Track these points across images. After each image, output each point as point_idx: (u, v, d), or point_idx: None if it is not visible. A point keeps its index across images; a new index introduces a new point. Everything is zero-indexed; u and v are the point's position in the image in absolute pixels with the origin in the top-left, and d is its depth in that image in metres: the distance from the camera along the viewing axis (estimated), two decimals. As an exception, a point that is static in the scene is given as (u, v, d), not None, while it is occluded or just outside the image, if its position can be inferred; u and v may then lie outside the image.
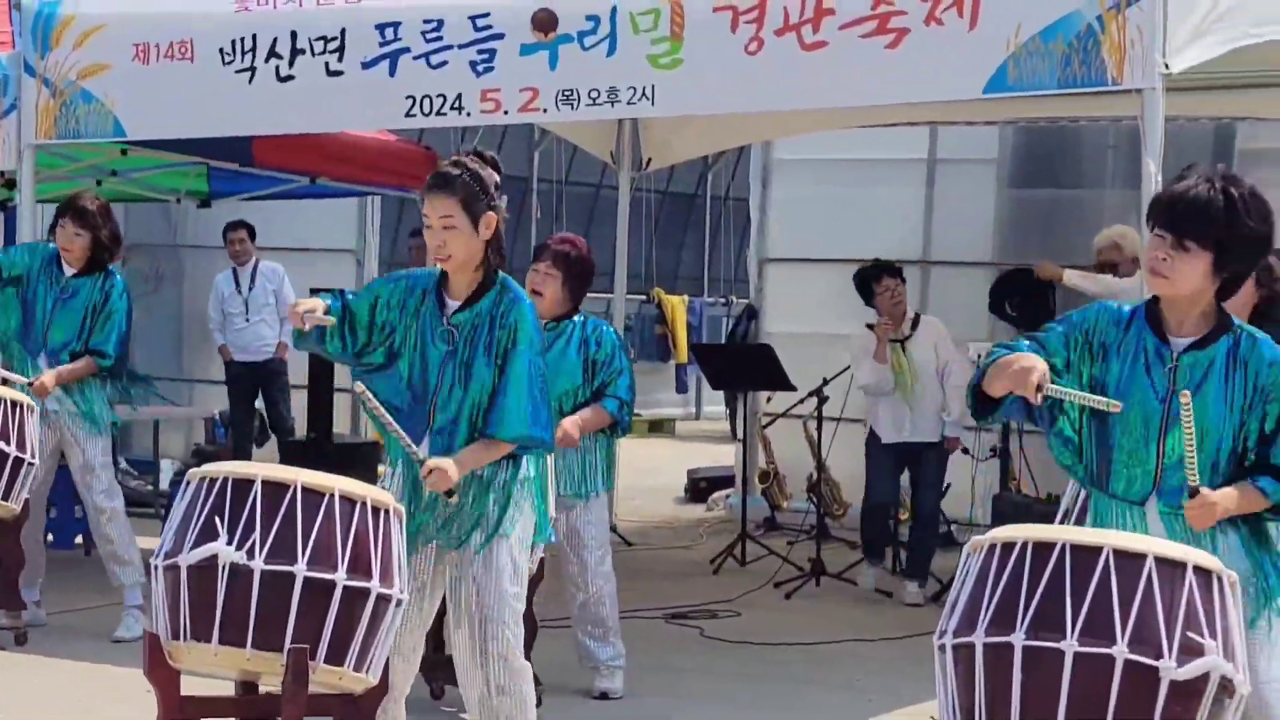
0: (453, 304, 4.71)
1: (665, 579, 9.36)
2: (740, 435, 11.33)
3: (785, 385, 9.85)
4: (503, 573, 4.65)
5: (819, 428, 10.01)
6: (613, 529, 10.46)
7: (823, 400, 9.63)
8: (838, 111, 8.97)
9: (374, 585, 4.30)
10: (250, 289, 11.77)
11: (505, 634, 4.64)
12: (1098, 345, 4.02)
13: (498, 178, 4.75)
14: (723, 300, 21.20)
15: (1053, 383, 3.89)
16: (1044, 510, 8.38)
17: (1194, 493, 3.86)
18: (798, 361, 9.79)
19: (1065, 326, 4.07)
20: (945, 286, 10.90)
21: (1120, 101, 6.11)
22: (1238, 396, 3.94)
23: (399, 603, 4.38)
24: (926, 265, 11.18)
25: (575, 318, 6.46)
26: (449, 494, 4.61)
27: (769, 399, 11.09)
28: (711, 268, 22.04)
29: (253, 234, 11.78)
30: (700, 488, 12.74)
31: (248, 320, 11.74)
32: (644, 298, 19.38)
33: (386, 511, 4.40)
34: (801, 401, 9.99)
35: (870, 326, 8.83)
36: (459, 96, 6.87)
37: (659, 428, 18.86)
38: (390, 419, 4.59)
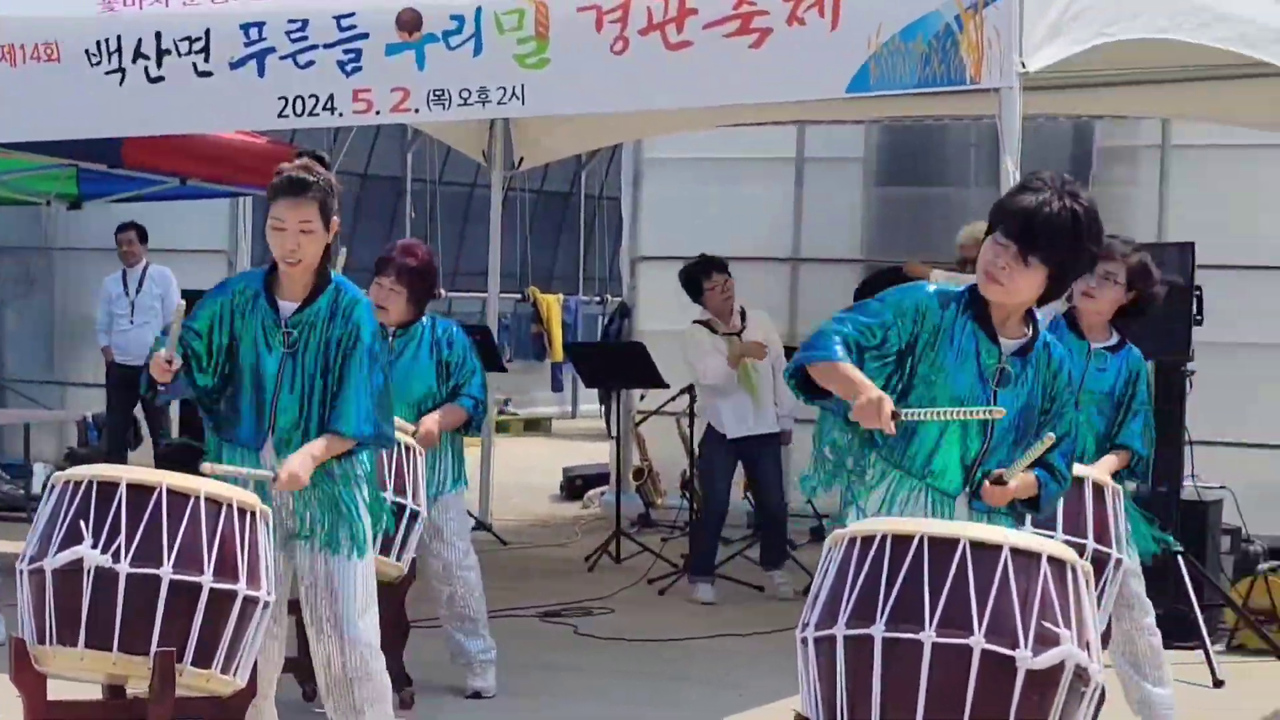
0: (288, 305, 4.73)
1: (540, 577, 9.38)
2: (614, 433, 11.37)
3: (658, 383, 9.90)
4: (349, 565, 4.69)
5: (691, 424, 10.06)
6: (488, 528, 10.52)
7: (695, 397, 9.68)
8: (706, 110, 9.04)
9: (240, 587, 4.32)
10: (138, 292, 11.64)
11: (357, 624, 4.68)
12: (929, 329, 4.00)
13: (339, 184, 4.81)
14: (598, 299, 21.22)
15: (897, 404, 3.90)
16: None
17: (997, 479, 3.94)
18: (670, 359, 9.83)
19: (889, 314, 3.99)
20: (814, 283, 11.01)
21: (980, 100, 6.20)
22: (1040, 398, 4.05)
23: (266, 604, 4.40)
24: (796, 262, 11.29)
25: (423, 320, 6.48)
26: (308, 487, 4.65)
27: (642, 396, 11.14)
28: (587, 266, 22.05)
29: (143, 236, 11.65)
30: (576, 485, 12.77)
31: (133, 323, 11.60)
32: (519, 297, 19.35)
33: (253, 513, 4.41)
34: (674, 399, 10.04)
35: (704, 323, 8.79)
36: (331, 97, 6.86)
37: (535, 426, 18.87)
38: (241, 471, 4.61)
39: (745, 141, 11.00)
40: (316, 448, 4.64)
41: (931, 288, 4.07)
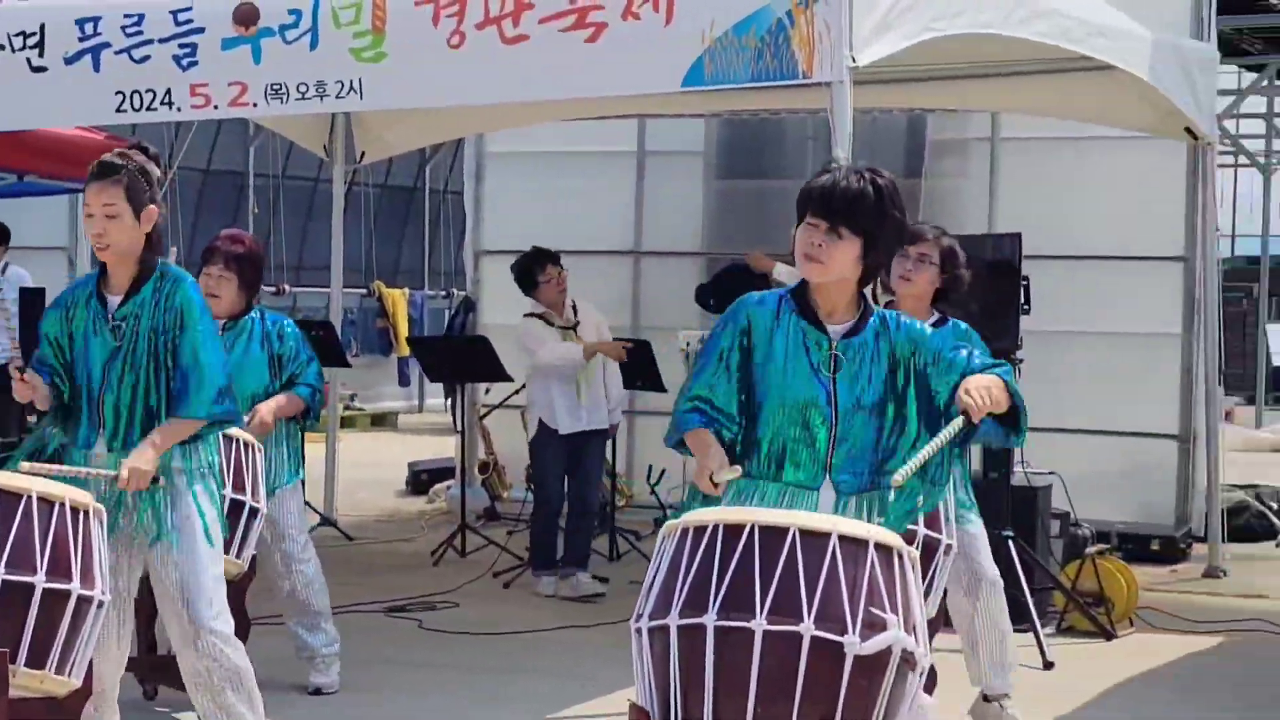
0: (114, 300, 4.77)
1: (385, 572, 9.34)
2: (459, 427, 11.35)
3: (502, 376, 9.90)
4: (200, 554, 4.73)
5: (523, 419, 10.07)
6: (333, 523, 10.45)
7: (532, 392, 9.69)
8: (546, 104, 9.05)
9: (74, 587, 4.29)
10: None
11: (211, 613, 4.72)
12: (759, 337, 4.08)
13: (159, 172, 4.84)
14: (444, 293, 21.16)
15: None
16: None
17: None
18: (515, 353, 9.83)
19: (724, 341, 4.10)
20: (656, 276, 11.08)
21: (815, 94, 6.28)
22: (884, 373, 4.06)
23: (100, 604, 4.38)
24: (638, 255, 11.35)
25: (252, 314, 6.45)
26: (154, 481, 4.64)
27: (487, 390, 11.13)
28: (432, 260, 21.98)
29: (4, 236, 11.39)
30: (421, 480, 12.73)
31: None
32: (365, 292, 19.24)
33: (86, 512, 4.39)
34: (518, 392, 10.05)
35: (538, 316, 8.75)
36: (168, 92, 6.82)
37: (382, 421, 18.77)
38: (70, 469, 4.60)
39: (587, 135, 11.03)
40: (158, 437, 4.66)
41: (756, 296, 4.16)
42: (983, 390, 3.87)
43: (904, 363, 4.06)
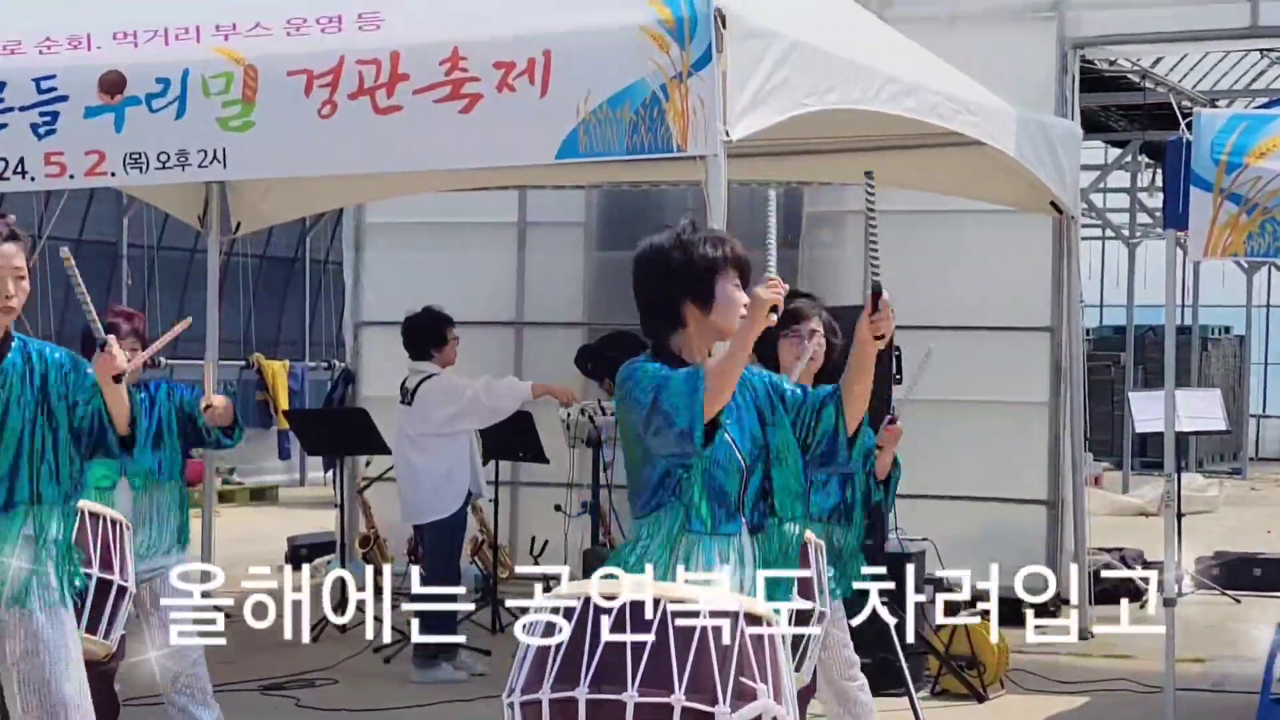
0: None
1: (262, 650, 9.16)
2: (339, 500, 11.24)
3: (382, 448, 9.82)
4: (68, 631, 4.67)
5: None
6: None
7: (417, 463, 9.61)
8: (425, 175, 9.03)
9: None
10: None
11: (76, 695, 4.64)
12: None
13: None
14: (325, 364, 20.99)
15: None
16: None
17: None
18: (393, 425, 9.75)
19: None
20: (537, 346, 11.08)
21: (691, 166, 6.34)
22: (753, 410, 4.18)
23: None
24: (519, 326, 11.35)
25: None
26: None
27: (368, 463, 11.04)
28: (314, 331, 21.83)
29: None
30: (301, 554, 12.54)
31: None
32: (244, 364, 19.04)
33: None
34: (396, 465, 9.95)
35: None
36: (21, 160, 6.67)
37: (262, 495, 18.54)
38: None
39: (468, 206, 11.05)
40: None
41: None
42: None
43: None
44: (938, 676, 8.08)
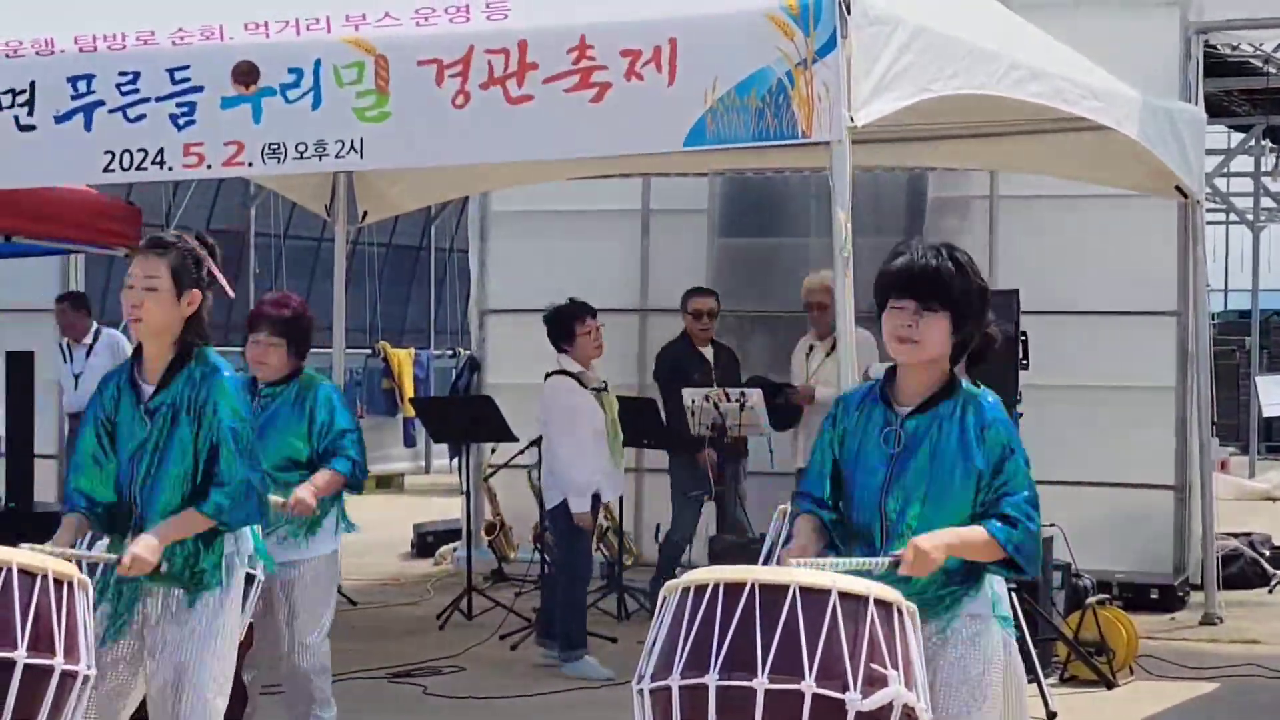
0: (148, 387, 4.66)
1: (390, 637, 9.30)
2: (465, 488, 11.32)
3: (507, 436, 9.89)
4: (207, 638, 4.64)
5: (541, 477, 10.06)
6: (338, 588, 10.37)
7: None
8: (550, 163, 9.09)
9: (58, 662, 4.17)
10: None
11: (208, 699, 4.62)
12: (845, 428, 4.19)
13: (213, 265, 4.74)
14: (450, 353, 21.14)
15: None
16: (756, 550, 8.54)
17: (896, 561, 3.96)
18: (519, 412, 9.83)
19: (820, 451, 4.24)
20: (661, 333, 11.09)
21: (817, 153, 6.34)
22: (966, 454, 4.07)
23: (86, 679, 4.25)
24: (643, 313, 11.38)
25: (299, 378, 6.37)
26: (156, 570, 4.53)
27: (493, 450, 11.11)
28: (438, 320, 21.99)
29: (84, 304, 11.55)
30: (428, 542, 12.68)
31: None
32: (370, 352, 19.24)
33: (70, 584, 4.26)
34: (523, 451, 10.03)
35: (571, 375, 8.35)
36: (160, 151, 6.72)
37: (388, 483, 18.70)
38: (71, 552, 4.47)
39: (591, 194, 11.08)
40: (166, 528, 4.55)
41: (848, 392, 4.30)
42: (924, 554, 3.92)
43: (983, 448, 4.07)
44: (1066, 663, 8.06)
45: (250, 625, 5.96)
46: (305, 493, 6.13)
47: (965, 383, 4.17)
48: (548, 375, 8.46)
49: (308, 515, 6.17)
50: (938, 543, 3.95)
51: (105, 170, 6.77)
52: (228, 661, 4.71)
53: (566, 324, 8.38)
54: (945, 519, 4.02)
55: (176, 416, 4.60)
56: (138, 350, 4.72)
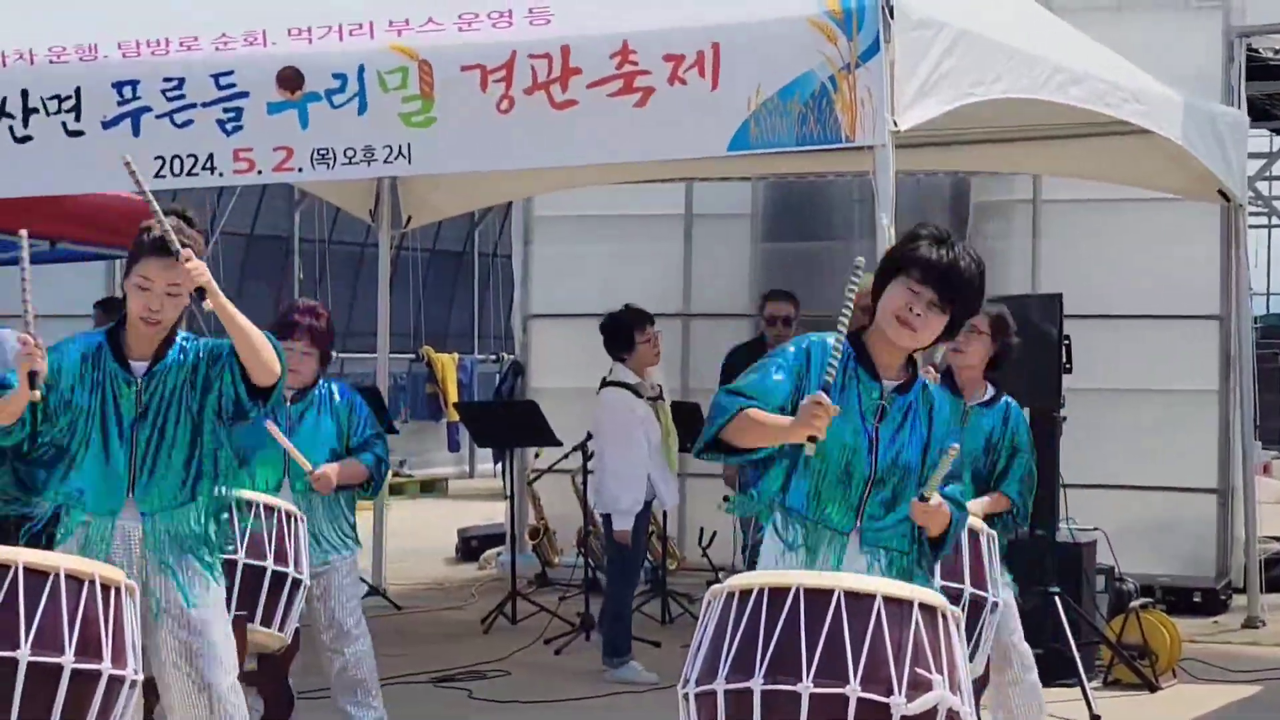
0: (139, 364, 4.69)
1: (434, 642, 9.32)
2: (509, 492, 11.35)
3: (551, 440, 9.90)
4: (215, 627, 4.70)
5: (585, 482, 10.07)
6: (382, 593, 10.42)
7: (589, 454, 9.64)
8: (594, 168, 9.11)
9: (105, 667, 4.16)
10: None
11: (229, 693, 4.67)
12: (815, 369, 4.08)
13: (198, 238, 4.76)
14: (494, 357, 21.20)
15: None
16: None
17: (924, 497, 4.01)
18: (563, 416, 9.86)
19: (787, 373, 4.10)
20: (705, 338, 11.12)
21: (860, 157, 6.34)
22: (922, 438, 4.13)
23: (133, 684, 4.26)
24: (687, 318, 11.40)
25: (321, 385, 6.43)
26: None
27: (537, 454, 11.14)
28: (482, 325, 22.03)
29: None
30: (472, 547, 12.69)
31: None
32: (414, 357, 19.30)
33: (117, 589, 4.26)
34: (567, 456, 10.04)
35: (627, 387, 8.18)
36: (210, 156, 6.74)
37: (431, 488, 18.76)
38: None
39: (634, 199, 11.12)
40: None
41: (818, 337, 4.14)
42: (933, 514, 4.03)
43: (935, 437, 4.13)
44: (1110, 666, 8.04)
45: (296, 632, 6.03)
46: (331, 470, 6.24)
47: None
48: (603, 385, 8.35)
49: (325, 493, 6.25)
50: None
51: (156, 176, 6.71)
52: (233, 642, 4.78)
53: (625, 332, 8.23)
54: (909, 495, 4.07)
55: (171, 394, 4.64)
56: (113, 332, 4.71)
